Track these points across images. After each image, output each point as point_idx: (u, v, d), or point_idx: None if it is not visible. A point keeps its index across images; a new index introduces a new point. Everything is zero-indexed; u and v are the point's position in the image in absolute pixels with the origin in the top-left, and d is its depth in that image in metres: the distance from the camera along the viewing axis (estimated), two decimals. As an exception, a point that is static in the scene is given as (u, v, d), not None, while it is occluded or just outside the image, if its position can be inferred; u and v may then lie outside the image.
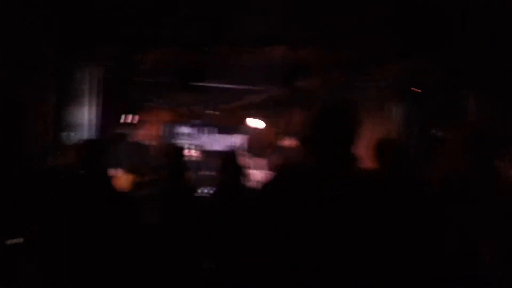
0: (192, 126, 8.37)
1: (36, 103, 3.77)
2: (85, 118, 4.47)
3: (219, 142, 8.22)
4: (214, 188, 3.89)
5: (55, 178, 3.45)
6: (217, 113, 8.15)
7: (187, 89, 5.34)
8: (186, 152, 4.00)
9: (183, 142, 7.81)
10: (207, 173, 5.94)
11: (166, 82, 5.67)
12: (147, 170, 4.90)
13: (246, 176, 3.70)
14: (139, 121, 6.24)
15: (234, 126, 8.37)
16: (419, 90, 4.64)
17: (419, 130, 4.89)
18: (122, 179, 4.56)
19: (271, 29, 3.67)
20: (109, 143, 3.50)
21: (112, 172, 4.23)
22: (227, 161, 3.77)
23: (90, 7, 3.36)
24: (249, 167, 4.11)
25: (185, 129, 8.33)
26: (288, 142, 5.97)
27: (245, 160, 3.89)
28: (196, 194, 3.60)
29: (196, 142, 8.02)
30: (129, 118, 5.15)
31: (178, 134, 8.22)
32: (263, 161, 5.83)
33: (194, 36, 3.77)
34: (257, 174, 4.87)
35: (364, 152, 4.66)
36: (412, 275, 1.45)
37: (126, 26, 3.61)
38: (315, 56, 4.29)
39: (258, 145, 7.43)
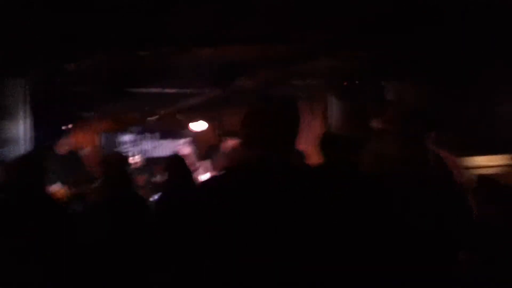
0: (132, 133, 8.18)
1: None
2: (16, 132, 4.24)
3: (162, 147, 8.09)
4: (159, 194, 3.83)
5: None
6: (155, 117, 8.01)
7: (121, 96, 5.21)
8: (129, 160, 3.90)
9: (124, 150, 7.62)
10: (152, 179, 5.84)
11: (99, 90, 5.50)
12: (84, 181, 4.74)
13: (192, 179, 3.67)
14: (74, 131, 5.99)
15: (176, 130, 8.27)
16: (346, 83, 4.82)
17: (356, 122, 5.09)
18: (58, 193, 4.39)
19: (201, 29, 3.64)
20: (39, 156, 3.32)
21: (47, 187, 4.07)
22: (172, 166, 3.73)
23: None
24: (194, 170, 4.08)
25: (125, 137, 8.11)
26: (231, 142, 5.98)
27: (189, 163, 3.86)
28: (144, 202, 3.52)
29: (138, 149, 7.84)
30: (63, 129, 4.93)
31: (118, 142, 7.99)
32: (207, 163, 5.81)
33: (123, 40, 3.67)
34: (204, 176, 4.84)
35: (305, 147, 4.75)
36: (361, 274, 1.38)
37: (51, 35, 3.44)
38: (247, 53, 4.32)
39: (202, 147, 7.39)
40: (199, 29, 3.64)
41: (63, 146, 4.84)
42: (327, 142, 3.15)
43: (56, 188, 4.51)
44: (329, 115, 5.39)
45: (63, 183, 4.59)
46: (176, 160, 3.84)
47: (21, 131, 4.31)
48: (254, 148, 1.48)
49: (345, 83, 4.92)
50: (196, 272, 1.34)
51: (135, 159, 6.79)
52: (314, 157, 3.67)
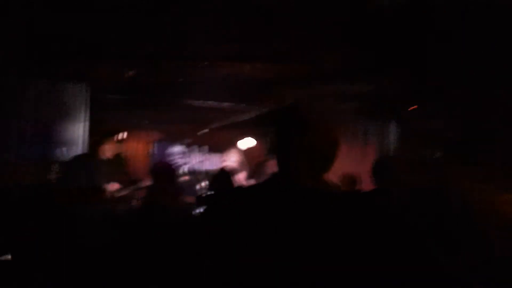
0: (183, 145, 8.29)
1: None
2: (75, 134, 4.40)
3: (210, 161, 8.14)
4: (204, 207, 3.81)
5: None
6: (206, 131, 8.10)
7: (175, 107, 5.29)
8: (178, 171, 3.94)
9: (174, 161, 7.73)
10: (198, 193, 5.85)
11: (154, 99, 5.63)
12: (127, 187, 4.82)
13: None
14: (126, 137, 6.13)
15: (225, 145, 8.30)
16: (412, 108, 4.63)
17: (411, 147, 4.87)
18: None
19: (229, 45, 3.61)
20: (89, 159, 3.42)
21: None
22: (219, 181, 3.71)
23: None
24: (241, 185, 4.04)
25: (175, 148, 8.24)
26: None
27: (236, 179, 3.83)
28: (190, 215, 3.50)
29: (187, 161, 7.93)
30: (116, 135, 5.06)
31: (169, 153, 8.13)
32: (252, 179, 5.76)
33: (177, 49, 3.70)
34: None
35: (357, 171, 4.57)
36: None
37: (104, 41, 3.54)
38: (297, 70, 4.23)
39: (249, 164, 7.36)
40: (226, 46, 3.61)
41: (108, 151, 4.95)
42: (379, 167, 3.06)
43: (113, 186, 4.59)
44: (383, 139, 5.20)
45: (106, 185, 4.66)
46: (223, 175, 3.82)
47: (80, 133, 4.47)
48: (282, 168, 1.33)
49: (410, 108, 4.71)
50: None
51: (183, 171, 6.86)
52: (366, 182, 3.54)
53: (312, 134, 1.31)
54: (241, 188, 1.42)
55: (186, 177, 6.75)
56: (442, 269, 1.28)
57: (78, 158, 3.11)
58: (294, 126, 1.33)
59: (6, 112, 3.91)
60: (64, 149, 4.13)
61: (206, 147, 8.49)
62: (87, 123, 4.43)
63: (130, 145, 7.14)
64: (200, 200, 3.73)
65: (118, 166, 5.26)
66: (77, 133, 4.38)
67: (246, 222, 1.22)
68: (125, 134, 6.05)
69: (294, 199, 1.24)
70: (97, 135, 4.89)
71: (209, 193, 3.65)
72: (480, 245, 2.65)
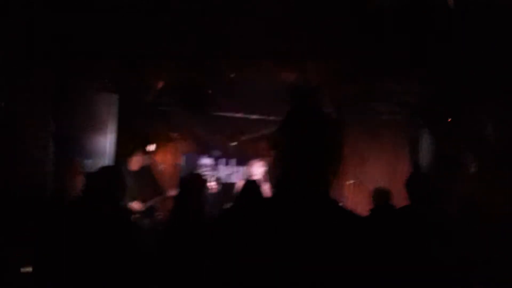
0: (212, 156, 8.25)
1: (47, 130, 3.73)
2: (101, 145, 4.41)
3: (238, 174, 8.05)
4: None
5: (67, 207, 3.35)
6: (235, 143, 8.03)
7: (205, 118, 5.26)
8: (207, 183, 3.88)
9: (203, 173, 7.69)
10: (225, 205, 5.78)
11: (185, 110, 5.62)
12: (155, 198, 4.82)
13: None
14: (155, 149, 6.15)
15: (253, 157, 8.20)
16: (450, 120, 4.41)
17: (446, 161, 4.64)
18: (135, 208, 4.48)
19: (276, 47, 3.51)
20: (117, 170, 3.40)
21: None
22: (248, 192, 3.61)
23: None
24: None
25: (205, 160, 8.21)
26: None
27: (263, 190, 3.72)
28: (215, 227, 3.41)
29: (215, 173, 7.88)
30: (146, 146, 5.07)
31: (198, 164, 8.11)
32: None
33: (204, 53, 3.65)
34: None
35: (390, 184, 4.37)
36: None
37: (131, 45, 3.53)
38: (326, 75, 4.09)
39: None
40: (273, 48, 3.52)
41: (136, 163, 4.97)
42: (413, 182, 2.96)
43: (136, 205, 4.64)
44: (418, 151, 4.98)
45: (134, 198, 4.67)
46: (252, 186, 3.73)
47: (109, 144, 4.48)
48: (282, 176, 1.16)
49: (449, 120, 4.50)
50: None
51: (211, 183, 6.81)
52: (399, 196, 3.39)
53: (321, 134, 1.14)
54: (258, 200, 1.27)
55: (214, 189, 6.69)
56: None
57: (103, 170, 3.10)
58: (304, 127, 1.15)
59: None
60: (90, 160, 4.13)
61: (234, 160, 8.42)
62: (114, 135, 4.42)
63: (159, 157, 7.14)
64: (226, 211, 3.64)
65: (147, 178, 5.26)
66: (104, 144, 4.38)
67: (271, 235, 1.08)
68: (154, 146, 6.08)
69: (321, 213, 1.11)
70: (126, 147, 4.93)
71: (234, 204, 3.55)
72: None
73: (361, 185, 5.92)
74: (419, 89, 4.25)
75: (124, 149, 4.81)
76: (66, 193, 3.77)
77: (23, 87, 3.46)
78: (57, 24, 3.22)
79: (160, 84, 4.37)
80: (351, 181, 6.13)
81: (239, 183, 4.63)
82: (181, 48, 3.69)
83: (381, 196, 4.20)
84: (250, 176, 4.56)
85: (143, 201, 4.85)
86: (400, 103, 4.69)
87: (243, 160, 8.30)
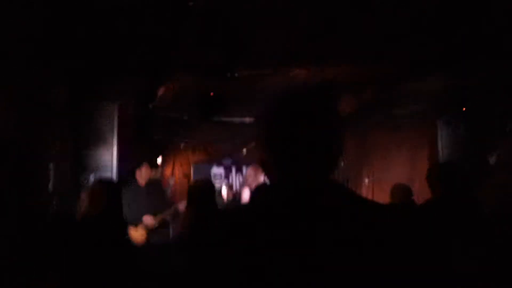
0: (223, 165, 8.09)
1: (50, 145, 3.59)
2: (106, 159, 4.25)
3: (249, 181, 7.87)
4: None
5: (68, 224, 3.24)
6: (246, 150, 7.84)
7: (214, 125, 5.09)
8: (215, 189, 3.72)
9: (215, 182, 7.51)
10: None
11: (191, 118, 5.45)
12: (166, 212, 4.69)
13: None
14: (163, 161, 6.00)
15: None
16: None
17: (468, 153, 4.41)
18: (136, 233, 4.35)
19: (293, 48, 3.35)
20: (119, 185, 3.27)
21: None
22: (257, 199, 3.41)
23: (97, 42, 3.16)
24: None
25: (216, 169, 8.05)
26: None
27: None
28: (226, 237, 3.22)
29: (227, 183, 7.71)
30: (143, 159, 4.91)
31: (209, 174, 7.94)
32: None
33: (212, 61, 3.50)
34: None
35: (410, 181, 4.21)
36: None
37: (139, 55, 3.38)
38: (344, 75, 3.89)
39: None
40: (290, 47, 3.35)
41: (142, 177, 4.82)
42: (437, 175, 2.77)
43: (148, 219, 4.49)
44: (438, 145, 4.74)
45: (143, 213, 4.53)
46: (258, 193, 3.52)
47: (113, 158, 4.31)
48: (271, 169, 0.98)
49: (463, 109, 4.28)
50: None
51: (223, 193, 6.64)
52: (422, 192, 3.23)
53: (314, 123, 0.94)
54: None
55: (228, 197, 6.52)
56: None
57: (99, 184, 2.93)
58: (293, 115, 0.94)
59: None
60: (91, 175, 3.96)
61: (246, 168, 8.25)
62: (116, 147, 4.25)
63: (168, 170, 6.99)
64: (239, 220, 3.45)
65: (156, 192, 5.11)
66: (109, 158, 4.20)
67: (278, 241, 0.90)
68: (160, 159, 5.92)
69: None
70: (131, 160, 4.77)
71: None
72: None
73: (378, 184, 5.71)
74: (439, 86, 4.05)
75: (129, 163, 4.65)
76: (71, 212, 3.62)
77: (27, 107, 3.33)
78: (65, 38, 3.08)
79: (165, 91, 4.20)
80: (367, 180, 5.93)
81: (245, 193, 4.43)
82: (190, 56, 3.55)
83: (401, 193, 3.95)
84: (251, 184, 4.37)
85: (154, 215, 4.69)
86: (418, 99, 4.48)
87: (257, 165, 8.13)
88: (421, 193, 3.68)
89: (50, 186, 3.67)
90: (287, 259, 0.86)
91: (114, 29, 3.04)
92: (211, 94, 4.22)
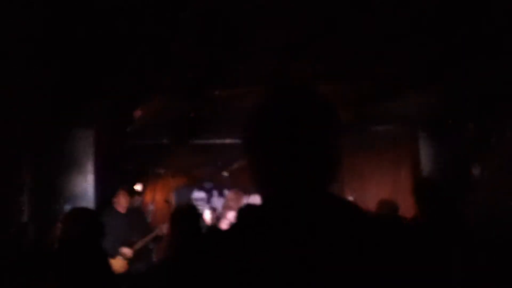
0: (204, 189, 7.97)
1: (20, 174, 3.46)
2: (83, 186, 4.10)
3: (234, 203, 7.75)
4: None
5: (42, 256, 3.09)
6: (227, 173, 7.74)
7: (189, 145, 5.00)
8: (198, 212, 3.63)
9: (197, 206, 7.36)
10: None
11: (170, 142, 5.34)
12: (148, 239, 4.60)
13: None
14: (143, 188, 5.85)
15: (247, 186, 7.92)
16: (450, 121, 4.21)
17: (451, 167, 4.42)
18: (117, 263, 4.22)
19: (274, 66, 3.31)
20: (97, 213, 3.15)
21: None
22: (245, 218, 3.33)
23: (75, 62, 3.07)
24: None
25: (197, 194, 7.92)
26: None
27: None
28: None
29: (209, 207, 7.58)
30: (120, 186, 4.81)
31: (190, 199, 7.80)
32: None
33: (189, 82, 3.44)
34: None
35: (395, 197, 4.20)
36: None
37: (114, 78, 3.30)
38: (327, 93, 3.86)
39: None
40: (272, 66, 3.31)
41: (121, 204, 4.71)
42: (422, 191, 2.80)
43: (125, 252, 4.39)
44: (420, 160, 4.75)
45: (123, 241, 4.40)
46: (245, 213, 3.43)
47: (90, 185, 4.16)
48: (264, 185, 0.89)
49: (449, 121, 4.30)
50: None
51: (206, 217, 6.51)
52: (408, 208, 3.21)
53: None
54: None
55: (211, 221, 6.38)
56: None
57: (74, 211, 2.79)
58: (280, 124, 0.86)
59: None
60: (68, 203, 3.81)
61: (227, 190, 8.13)
62: (93, 175, 4.10)
63: (148, 196, 6.82)
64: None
65: (136, 220, 4.98)
66: (85, 186, 4.06)
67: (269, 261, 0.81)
68: (140, 186, 5.78)
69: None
70: (109, 187, 4.64)
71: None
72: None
73: (362, 201, 5.67)
74: (421, 102, 4.06)
75: (107, 190, 4.53)
76: (46, 242, 3.46)
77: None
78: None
79: (143, 114, 4.10)
80: (351, 198, 5.89)
81: (229, 215, 4.33)
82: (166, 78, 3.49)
83: (387, 208, 3.93)
84: (233, 207, 4.28)
85: (131, 245, 4.55)
86: (398, 115, 4.49)
87: (238, 188, 8.01)
88: (405, 208, 3.67)
89: (25, 215, 3.53)
90: (286, 277, 0.78)
91: (91, 50, 2.96)
92: (192, 115, 4.14)
